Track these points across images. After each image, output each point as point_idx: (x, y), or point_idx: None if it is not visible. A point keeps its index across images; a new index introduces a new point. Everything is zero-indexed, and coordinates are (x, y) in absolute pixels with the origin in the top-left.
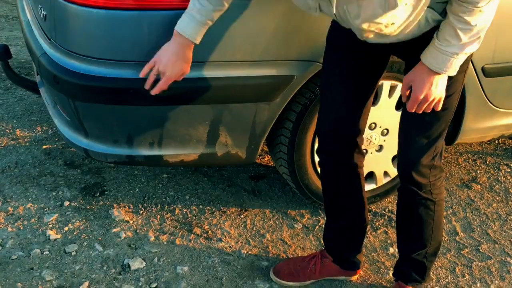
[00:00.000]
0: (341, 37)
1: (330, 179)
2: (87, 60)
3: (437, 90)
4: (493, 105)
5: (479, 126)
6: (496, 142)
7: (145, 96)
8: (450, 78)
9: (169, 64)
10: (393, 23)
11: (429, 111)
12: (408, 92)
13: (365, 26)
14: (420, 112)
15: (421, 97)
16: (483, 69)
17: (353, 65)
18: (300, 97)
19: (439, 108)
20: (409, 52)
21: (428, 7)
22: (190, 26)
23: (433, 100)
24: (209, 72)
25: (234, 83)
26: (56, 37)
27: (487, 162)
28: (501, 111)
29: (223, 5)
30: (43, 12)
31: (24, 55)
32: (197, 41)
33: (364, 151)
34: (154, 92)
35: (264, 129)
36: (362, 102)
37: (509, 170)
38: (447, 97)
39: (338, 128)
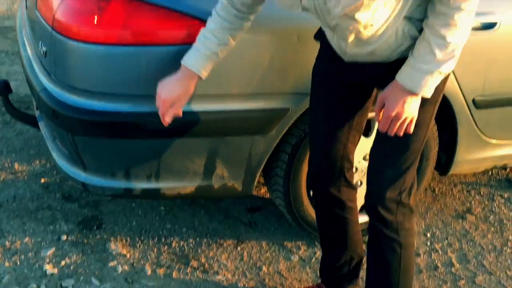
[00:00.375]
0: (323, 69)
1: (322, 213)
2: (86, 94)
3: (409, 108)
4: (485, 136)
5: (472, 157)
6: (490, 173)
7: (143, 129)
8: (421, 103)
9: (168, 86)
10: (371, 25)
11: (401, 134)
12: (381, 112)
13: (344, 18)
14: (393, 133)
15: (393, 114)
16: (474, 101)
17: (336, 99)
18: (295, 129)
19: (411, 129)
20: (388, 80)
21: (406, 17)
22: (193, 57)
23: (405, 119)
24: (205, 105)
25: (230, 116)
26: (56, 72)
27: (481, 193)
28: (493, 142)
29: (227, 40)
30: (43, 48)
31: (24, 89)
32: (201, 74)
33: (359, 182)
34: (166, 121)
35: (260, 161)
36: (347, 137)
37: (503, 200)
38: (415, 126)
39: (324, 162)
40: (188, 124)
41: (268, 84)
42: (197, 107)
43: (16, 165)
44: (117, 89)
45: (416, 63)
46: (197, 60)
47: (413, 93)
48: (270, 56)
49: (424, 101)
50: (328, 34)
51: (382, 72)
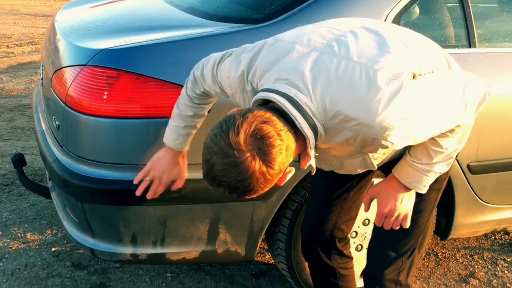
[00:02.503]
0: None
1: (315, 278)
2: (95, 164)
3: (401, 205)
4: (482, 200)
5: (471, 221)
6: (493, 237)
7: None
8: (421, 195)
9: (166, 171)
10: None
11: (396, 228)
12: (369, 204)
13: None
14: (389, 228)
15: (385, 211)
16: (468, 166)
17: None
18: (295, 195)
19: (407, 225)
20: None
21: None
22: (174, 139)
23: (399, 215)
24: None
25: None
26: (68, 144)
27: (484, 257)
28: (491, 206)
29: (203, 113)
30: (56, 122)
31: (38, 163)
32: (185, 149)
33: (360, 246)
34: (149, 196)
35: (261, 227)
36: (341, 207)
37: (506, 264)
38: (418, 213)
39: (316, 230)
40: (192, 191)
41: None
42: (200, 175)
43: (28, 235)
44: (124, 159)
45: (413, 161)
46: (179, 143)
47: (406, 189)
48: None
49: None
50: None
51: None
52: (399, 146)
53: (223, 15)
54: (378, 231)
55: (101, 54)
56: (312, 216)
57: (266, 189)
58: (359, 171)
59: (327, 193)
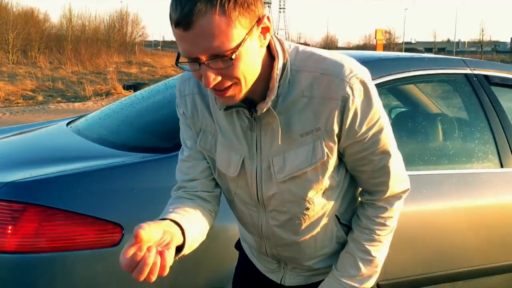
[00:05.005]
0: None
1: None
2: None
3: None
4: None
5: None
6: None
7: None
8: None
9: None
10: (307, 209)
11: None
12: None
13: (286, 190)
14: None
15: None
16: (378, 285)
17: None
18: None
19: None
20: None
21: (336, 216)
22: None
23: None
24: None
25: None
26: None
27: None
28: None
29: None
30: None
31: None
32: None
33: None
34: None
35: None
36: None
37: None
38: None
39: None
40: None
41: (181, 282)
42: None
43: None
44: None
45: (340, 277)
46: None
47: None
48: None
49: None
50: (251, 226)
51: None
52: (358, 102)
53: (134, 145)
54: None
55: (5, 188)
56: None
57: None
58: (308, 170)
59: None
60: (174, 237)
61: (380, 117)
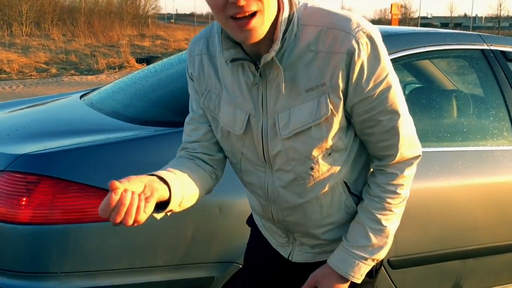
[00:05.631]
0: (254, 259)
1: None
2: (11, 275)
3: None
4: None
5: None
6: None
7: None
8: (354, 285)
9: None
10: (312, 168)
11: None
12: None
13: (290, 141)
14: None
15: None
16: (389, 261)
17: (269, 275)
18: None
19: None
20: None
21: (344, 182)
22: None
23: None
24: (132, 278)
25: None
26: None
27: None
28: None
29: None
30: None
31: None
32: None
33: None
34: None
35: None
36: None
37: None
38: None
39: None
40: None
41: (192, 255)
42: (124, 280)
43: None
44: (46, 268)
45: (350, 247)
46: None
47: (342, 279)
48: (193, 229)
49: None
50: (258, 189)
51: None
52: (365, 65)
53: (146, 118)
54: None
55: (20, 159)
56: None
57: None
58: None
59: None
60: (155, 191)
61: (388, 74)
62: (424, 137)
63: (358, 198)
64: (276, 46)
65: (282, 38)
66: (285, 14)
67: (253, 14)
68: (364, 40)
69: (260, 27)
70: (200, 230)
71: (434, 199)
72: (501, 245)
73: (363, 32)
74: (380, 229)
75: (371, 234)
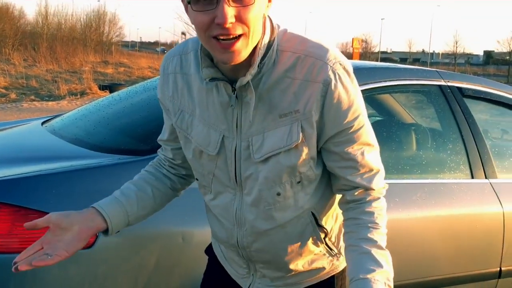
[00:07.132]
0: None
1: None
2: None
3: None
4: None
5: None
6: None
7: None
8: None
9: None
10: (278, 194)
11: None
12: None
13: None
14: None
15: None
16: None
17: None
18: None
19: None
20: None
21: (311, 212)
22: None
23: None
24: None
25: None
26: None
27: None
28: None
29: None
30: None
31: None
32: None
33: None
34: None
35: None
36: None
37: None
38: None
39: None
40: None
41: (154, 285)
42: None
43: None
44: None
45: (369, 277)
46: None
47: None
48: (155, 257)
49: None
50: (223, 212)
51: None
52: (342, 93)
53: (110, 146)
54: None
55: None
56: None
57: None
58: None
59: None
60: (70, 233)
61: (362, 106)
62: (385, 169)
63: (324, 232)
64: (253, 70)
65: (260, 62)
66: (266, 39)
67: (238, 37)
68: (341, 71)
69: (243, 50)
70: (162, 259)
71: (394, 230)
72: (459, 276)
73: (340, 64)
74: (376, 242)
75: (375, 254)
